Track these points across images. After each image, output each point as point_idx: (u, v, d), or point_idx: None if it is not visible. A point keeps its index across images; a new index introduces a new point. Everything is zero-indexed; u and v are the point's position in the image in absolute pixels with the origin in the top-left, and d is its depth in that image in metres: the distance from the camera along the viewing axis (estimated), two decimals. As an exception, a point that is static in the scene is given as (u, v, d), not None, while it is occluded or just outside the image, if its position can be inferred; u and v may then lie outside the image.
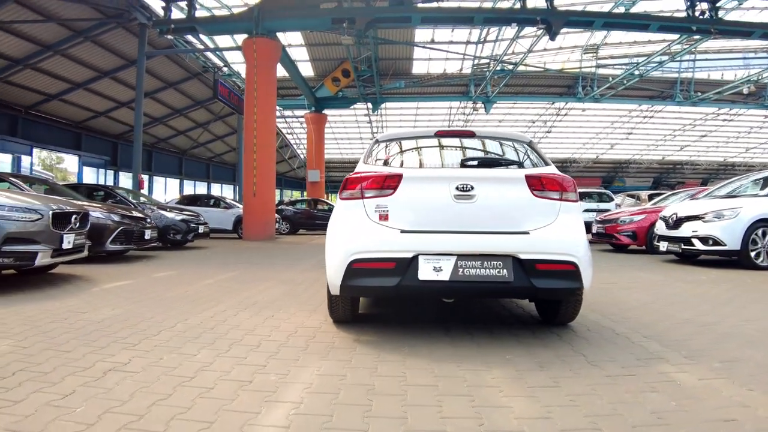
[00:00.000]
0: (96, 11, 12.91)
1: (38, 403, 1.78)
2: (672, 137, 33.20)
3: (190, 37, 15.46)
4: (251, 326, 3.02)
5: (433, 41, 18.75)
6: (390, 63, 20.83)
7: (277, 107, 24.73)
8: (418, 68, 21.66)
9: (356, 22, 13.18)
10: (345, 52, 18.03)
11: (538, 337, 2.79)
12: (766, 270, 5.84)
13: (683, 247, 6.34)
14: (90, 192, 8.70)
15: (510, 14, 12.75)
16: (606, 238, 8.95)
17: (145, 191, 24.48)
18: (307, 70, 20.95)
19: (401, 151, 3.04)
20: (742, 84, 20.13)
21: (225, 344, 2.60)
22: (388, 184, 2.67)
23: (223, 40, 16.14)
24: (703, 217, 6.12)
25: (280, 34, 16.00)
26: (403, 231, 2.59)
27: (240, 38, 13.78)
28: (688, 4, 12.57)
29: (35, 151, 16.94)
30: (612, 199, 12.13)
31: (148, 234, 7.10)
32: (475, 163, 2.85)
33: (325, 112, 23.43)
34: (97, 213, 6.12)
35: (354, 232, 2.65)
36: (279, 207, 17.79)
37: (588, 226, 9.97)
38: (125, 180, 21.68)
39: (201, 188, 31.57)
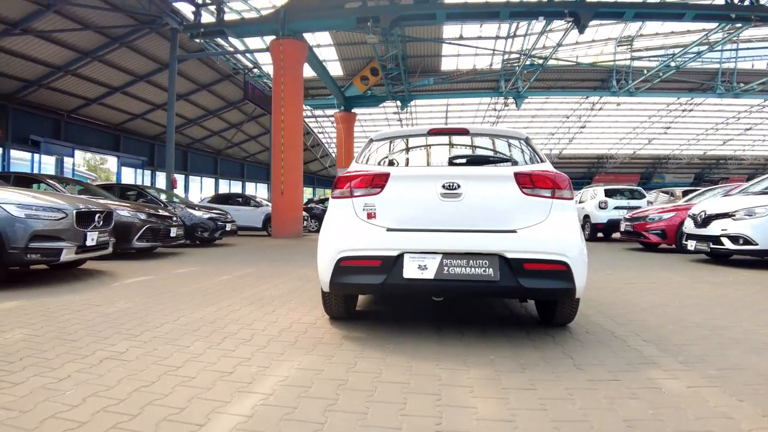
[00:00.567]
0: (130, 18, 13.61)
1: (35, 385, 1.94)
2: (714, 131, 31.41)
3: (220, 40, 15.95)
4: (250, 321, 3.13)
5: (461, 37, 18.53)
6: (418, 60, 20.76)
7: (308, 107, 25.31)
8: (446, 65, 21.48)
9: (381, 21, 13.22)
10: (373, 50, 18.10)
11: (531, 338, 2.74)
12: (803, 272, 5.47)
13: (712, 246, 6.01)
14: (123, 191, 9.17)
15: (537, 8, 12.42)
16: (634, 236, 8.60)
17: (180, 190, 25.60)
18: (336, 69, 21.22)
19: (394, 151, 3.06)
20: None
21: (219, 337, 2.71)
22: (376, 183, 2.70)
23: (253, 42, 16.58)
24: (734, 215, 5.77)
25: (308, 35, 16.29)
26: (389, 229, 2.61)
27: (269, 40, 14.12)
28: (727, -10, 11.86)
29: (77, 152, 18.00)
30: (644, 196, 11.63)
31: (173, 232, 7.41)
32: (463, 161, 2.82)
33: (355, 110, 23.63)
34: (124, 212, 6.47)
35: (342, 230, 2.69)
36: (308, 205, 18.14)
37: (616, 224, 9.73)
38: (162, 180, 22.67)
39: (236, 187, 32.57)
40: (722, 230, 5.84)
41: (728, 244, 5.78)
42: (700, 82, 21.25)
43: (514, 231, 2.53)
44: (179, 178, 26.55)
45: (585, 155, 38.46)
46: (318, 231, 17.03)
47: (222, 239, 10.98)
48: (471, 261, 2.49)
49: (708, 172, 39.93)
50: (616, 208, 10.98)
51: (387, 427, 1.59)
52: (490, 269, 2.47)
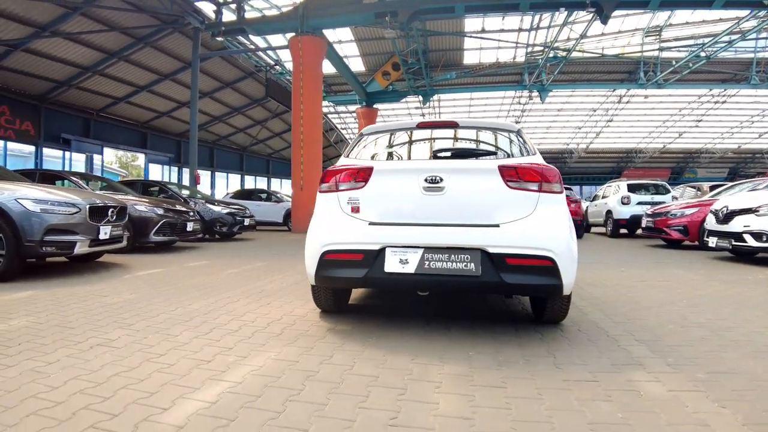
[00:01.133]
0: (153, 18, 14.05)
1: (25, 368, 2.05)
2: (749, 123, 29.77)
3: (242, 38, 16.23)
4: (242, 312, 3.20)
5: (483, 30, 18.23)
6: (440, 54, 20.57)
7: (331, 103, 25.48)
8: (469, 58, 21.19)
9: (399, 15, 13.16)
10: (393, 45, 18.05)
11: (519, 335, 2.70)
12: (834, 272, 5.15)
13: (734, 243, 5.73)
14: (145, 187, 9.48)
15: (558, -2, 12.07)
16: (655, 232, 8.28)
17: (206, 187, 26.26)
18: (358, 65, 21.29)
19: (383, 145, 3.05)
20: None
21: (208, 327, 2.79)
22: (360, 177, 2.71)
23: (275, 39, 16.80)
24: (757, 210, 5.47)
25: (329, 31, 16.40)
26: (371, 223, 2.62)
27: (291, 36, 14.28)
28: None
29: (106, 150, 18.74)
30: (668, 191, 11.18)
31: (190, 226, 7.63)
32: (447, 154, 2.79)
33: (376, 106, 23.64)
34: (141, 207, 6.71)
35: (327, 224, 2.72)
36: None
37: (639, 219, 9.40)
38: (188, 176, 23.35)
39: (262, 183, 33.16)
40: (744, 227, 5.55)
41: (750, 241, 5.49)
42: (733, 73, 20.18)
43: (497, 225, 2.49)
44: (206, 175, 27.29)
45: (613, 149, 37.25)
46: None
47: (241, 234, 11.24)
48: (452, 255, 2.47)
49: (743, 167, 37.95)
50: (640, 203, 10.61)
51: (341, 418, 1.61)
52: (472, 264, 2.44)
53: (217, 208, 10.06)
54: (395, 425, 1.56)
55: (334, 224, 2.69)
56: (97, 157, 18.09)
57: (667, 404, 1.76)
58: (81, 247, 4.33)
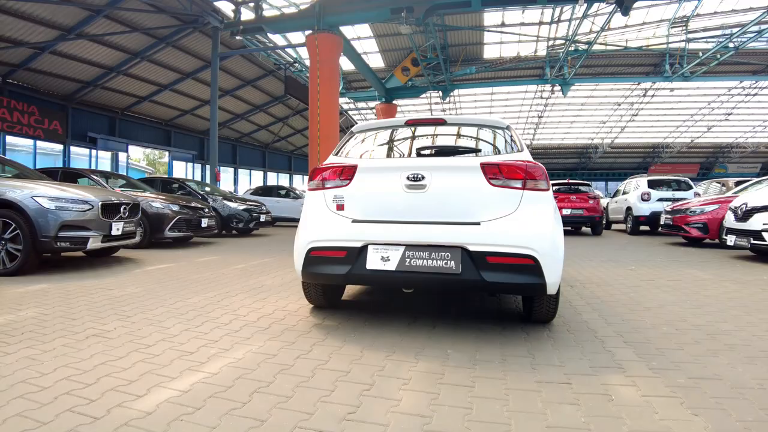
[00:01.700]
0: (174, 19, 14.43)
1: (22, 355, 2.19)
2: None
3: (260, 37, 16.48)
4: (237, 307, 3.29)
5: (503, 24, 17.96)
6: (460, 49, 20.37)
7: (351, 99, 25.60)
8: (489, 52, 20.89)
9: (414, 11, 13.11)
10: (410, 41, 17.98)
11: (504, 335, 2.68)
12: None
13: (753, 242, 5.49)
14: (165, 184, 9.78)
15: (577, -11, 11.72)
16: (674, 230, 8.00)
17: (229, 184, 26.83)
18: (377, 61, 21.32)
19: (371, 142, 3.07)
20: None
21: (200, 321, 2.89)
22: (345, 175, 2.75)
23: (294, 37, 16.99)
24: (777, 208, 5.24)
25: (348, 28, 16.47)
26: (354, 221, 2.66)
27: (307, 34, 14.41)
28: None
29: (131, 147, 19.40)
30: (690, 187, 10.76)
31: (205, 222, 7.84)
32: (431, 152, 2.79)
33: (396, 102, 23.61)
34: (157, 204, 6.94)
35: (313, 221, 2.77)
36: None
37: (659, 216, 9.11)
38: (209, 173, 23.92)
39: (284, 180, 33.65)
40: (764, 224, 5.31)
41: (770, 240, 5.26)
42: (764, 64, 19.17)
43: (477, 223, 2.48)
44: (229, 172, 27.90)
45: (639, 144, 36.05)
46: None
47: (258, 230, 11.47)
48: (433, 253, 2.48)
49: (777, 161, 36.21)
50: (660, 200, 10.26)
51: (301, 411, 1.66)
52: (452, 262, 2.45)
53: (233, 205, 10.29)
54: (351, 420, 1.60)
55: (320, 221, 2.74)
56: (122, 155, 18.79)
57: (635, 410, 1.72)
58: (93, 243, 4.54)
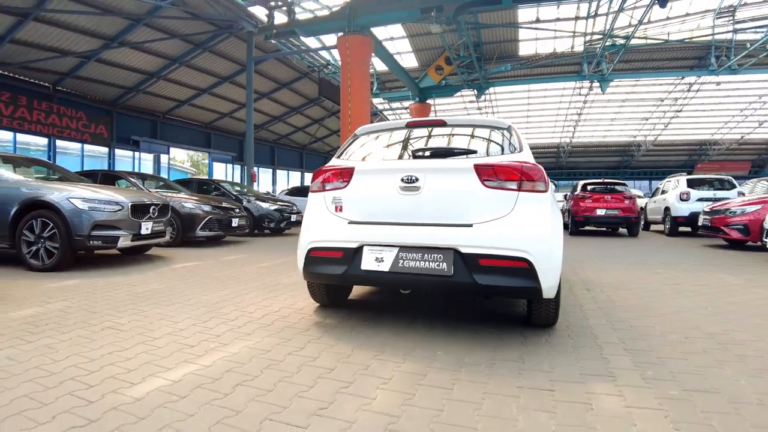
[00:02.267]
0: (210, 25, 15.08)
1: (41, 344, 2.41)
2: None
3: (293, 40, 16.87)
4: (247, 304, 3.44)
5: (537, 20, 17.53)
6: (494, 46, 20.07)
7: (385, 99, 25.74)
8: (524, 49, 20.45)
9: (444, 10, 13.06)
10: (442, 40, 17.89)
11: (501, 338, 2.66)
12: None
13: (795, 247, 5.12)
14: (201, 185, 10.23)
15: (614, -19, 11.29)
16: (713, 231, 7.54)
17: (265, 184, 27.60)
18: (411, 61, 21.34)
19: (372, 144, 3.12)
20: None
21: (209, 316, 3.04)
22: (344, 177, 2.82)
23: (328, 39, 17.29)
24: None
25: (381, 29, 16.59)
26: (350, 222, 2.72)
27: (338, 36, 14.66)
28: None
29: (172, 150, 20.37)
30: (734, 186, 10.07)
31: (235, 222, 8.15)
32: (426, 153, 2.80)
33: (429, 101, 23.53)
34: (189, 204, 7.29)
35: (313, 222, 2.86)
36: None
37: (697, 217, 8.62)
38: (246, 174, 24.69)
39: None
40: (808, 229, 4.95)
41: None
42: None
43: (470, 225, 2.48)
44: (267, 173, 28.74)
45: (684, 141, 33.99)
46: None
47: (290, 229, 11.76)
48: (426, 255, 2.51)
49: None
50: (700, 199, 9.70)
51: (276, 404, 1.74)
52: (444, 264, 2.46)
53: (265, 205, 10.61)
54: (320, 415, 1.66)
55: (319, 222, 2.82)
56: (164, 157, 19.77)
57: (613, 421, 1.66)
58: (123, 241, 4.85)
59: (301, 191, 16.42)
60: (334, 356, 2.29)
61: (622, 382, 2.02)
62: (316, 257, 2.78)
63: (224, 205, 8.10)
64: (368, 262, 2.60)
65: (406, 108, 28.40)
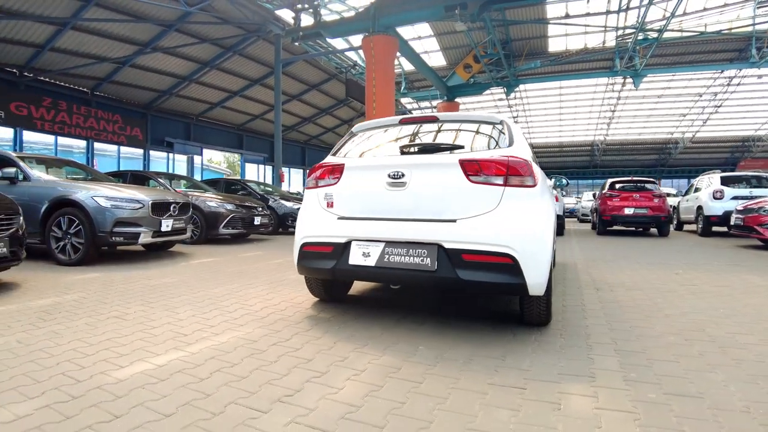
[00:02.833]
0: (239, 29, 15.61)
1: (49, 330, 2.60)
2: None
3: (320, 41, 17.15)
4: (249, 297, 3.56)
5: (567, 15, 17.09)
6: (523, 43, 19.71)
7: (413, 99, 25.73)
8: (554, 45, 19.95)
9: (468, 7, 12.95)
10: (467, 38, 17.73)
11: (490, 335, 2.64)
12: None
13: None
14: (228, 185, 10.58)
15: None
16: (745, 231, 7.13)
17: (293, 184, 28.13)
18: (438, 59, 21.28)
19: (366, 142, 3.16)
20: None
21: (210, 308, 3.18)
22: (335, 174, 2.89)
23: (355, 40, 17.48)
24: None
25: (408, 28, 16.63)
26: (340, 217, 2.78)
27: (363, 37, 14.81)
28: None
29: (205, 151, 21.14)
30: None
31: (258, 220, 8.38)
32: (414, 149, 2.82)
33: (458, 100, 23.33)
34: (212, 203, 7.57)
35: (307, 218, 2.95)
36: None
37: (727, 216, 8.15)
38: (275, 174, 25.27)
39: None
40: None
41: None
42: None
43: (453, 220, 2.49)
44: (299, 173, 29.33)
45: (725, 138, 32.06)
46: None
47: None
48: (410, 250, 2.53)
49: None
50: (735, 198, 9.16)
51: (246, 390, 1.82)
52: (428, 259, 2.48)
53: (289, 204, 10.85)
54: (283, 402, 1.72)
55: (312, 218, 2.91)
56: (197, 158, 20.56)
57: (576, 423, 1.62)
58: (144, 238, 5.11)
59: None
60: (315, 348, 2.36)
61: (601, 384, 1.97)
62: (308, 252, 2.86)
63: (247, 204, 8.35)
64: (356, 257, 2.65)
65: (434, 107, 28.28)
